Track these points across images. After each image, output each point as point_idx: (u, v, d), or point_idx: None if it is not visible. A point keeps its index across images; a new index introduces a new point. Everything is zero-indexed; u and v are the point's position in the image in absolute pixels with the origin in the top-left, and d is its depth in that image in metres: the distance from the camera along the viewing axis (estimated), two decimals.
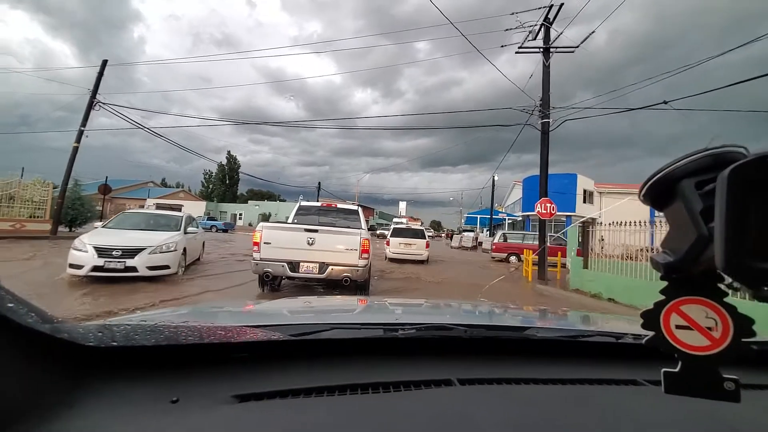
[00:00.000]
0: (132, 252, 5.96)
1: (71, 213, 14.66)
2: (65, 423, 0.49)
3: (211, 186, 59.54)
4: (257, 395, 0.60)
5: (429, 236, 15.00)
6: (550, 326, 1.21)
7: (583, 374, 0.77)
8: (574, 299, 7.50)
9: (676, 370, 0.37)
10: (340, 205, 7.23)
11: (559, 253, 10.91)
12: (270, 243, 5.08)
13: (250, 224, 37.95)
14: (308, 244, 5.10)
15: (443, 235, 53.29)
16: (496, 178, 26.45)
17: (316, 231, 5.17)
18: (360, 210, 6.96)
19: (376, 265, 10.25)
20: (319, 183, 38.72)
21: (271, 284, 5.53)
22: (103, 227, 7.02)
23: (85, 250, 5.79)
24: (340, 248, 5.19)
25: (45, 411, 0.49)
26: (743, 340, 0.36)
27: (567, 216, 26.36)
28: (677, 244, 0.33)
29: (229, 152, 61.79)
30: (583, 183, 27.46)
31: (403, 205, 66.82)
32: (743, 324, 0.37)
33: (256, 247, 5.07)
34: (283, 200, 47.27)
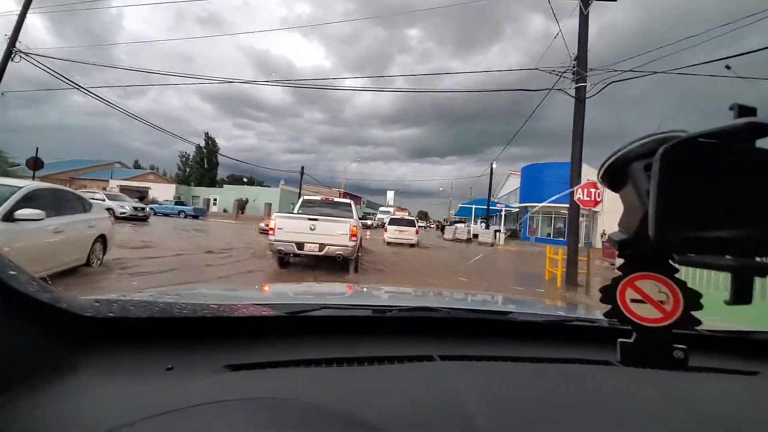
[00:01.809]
0: None
1: None
2: (60, 386, 0.51)
3: (188, 169, 56.70)
4: (248, 365, 0.63)
5: (420, 226, 18.33)
6: (532, 311, 1.32)
7: (560, 354, 0.80)
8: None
9: (631, 340, 0.41)
10: (336, 199, 8.91)
11: (591, 252, 8.79)
12: (282, 228, 6.62)
13: (225, 210, 35.04)
14: (311, 229, 6.62)
15: (432, 225, 51.86)
16: (494, 165, 24.28)
17: (316, 219, 6.74)
18: (353, 203, 8.48)
19: (377, 249, 13.01)
20: (302, 168, 35.90)
21: (282, 260, 7.12)
22: None
23: None
24: (334, 232, 6.64)
25: (46, 372, 0.51)
26: (692, 312, 0.41)
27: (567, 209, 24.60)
28: (630, 223, 0.36)
29: (207, 134, 57.34)
30: (588, 174, 25.70)
31: (391, 194, 66.17)
32: (692, 298, 0.41)
33: (272, 232, 6.68)
34: (264, 185, 44.16)
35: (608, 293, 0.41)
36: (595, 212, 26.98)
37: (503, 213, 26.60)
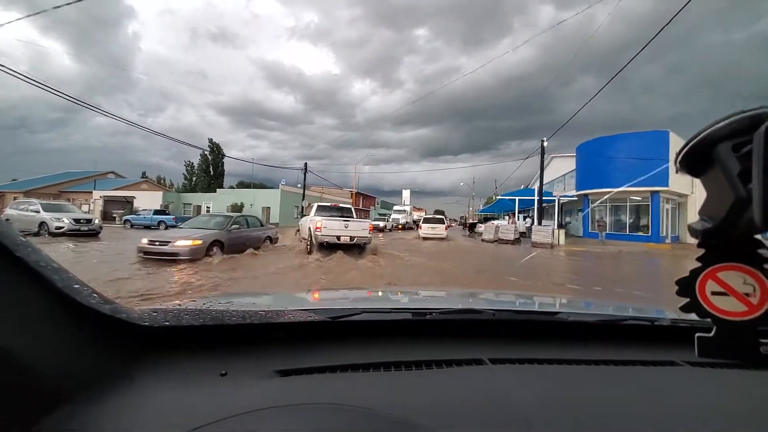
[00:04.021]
0: None
1: None
2: (126, 393, 0.53)
3: (194, 178, 53.99)
4: (297, 370, 0.64)
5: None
6: (581, 311, 1.22)
7: (618, 356, 0.75)
8: None
9: (711, 335, 0.37)
10: (341, 204, 12.40)
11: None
12: (326, 227, 9.80)
13: None
14: (345, 227, 10.02)
15: (456, 224, 46.45)
16: (545, 143, 18.42)
17: (348, 220, 10.30)
18: (352, 207, 12.18)
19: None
20: (306, 165, 31.00)
21: (324, 247, 9.72)
22: None
23: None
24: (360, 228, 10.23)
25: (108, 382, 0.53)
26: None
27: (653, 192, 18.28)
28: (715, 210, 0.33)
29: (210, 140, 55.08)
30: (677, 145, 19.31)
31: (406, 193, 63.02)
32: None
33: (318, 230, 9.66)
34: (266, 187, 39.50)
35: (686, 286, 0.37)
36: (681, 199, 20.97)
37: (557, 203, 20.55)
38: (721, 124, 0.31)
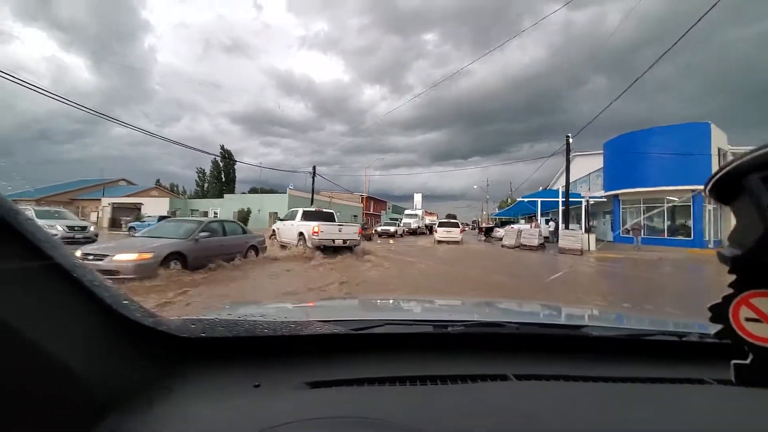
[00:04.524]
0: None
1: None
2: (166, 404, 0.55)
3: (206, 185, 54.21)
4: (326, 383, 0.65)
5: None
6: (605, 324, 1.21)
7: (645, 373, 0.75)
8: None
9: (747, 362, 0.37)
10: (324, 210, 13.04)
11: None
12: (323, 231, 10.55)
13: None
14: (339, 230, 11.00)
15: (469, 228, 44.96)
16: (570, 139, 16.86)
17: (342, 225, 11.50)
18: (333, 212, 13.11)
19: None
20: (314, 168, 30.13)
21: (321, 250, 10.28)
22: None
23: None
24: (351, 232, 11.29)
25: (151, 393, 0.56)
26: None
27: (695, 191, 16.40)
28: (744, 238, 0.34)
29: (222, 146, 55.49)
30: (718, 139, 17.06)
31: (418, 197, 62.38)
32: None
33: (315, 234, 10.37)
34: (274, 192, 38.68)
35: (719, 312, 0.37)
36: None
37: (584, 204, 18.71)
38: (752, 156, 0.32)
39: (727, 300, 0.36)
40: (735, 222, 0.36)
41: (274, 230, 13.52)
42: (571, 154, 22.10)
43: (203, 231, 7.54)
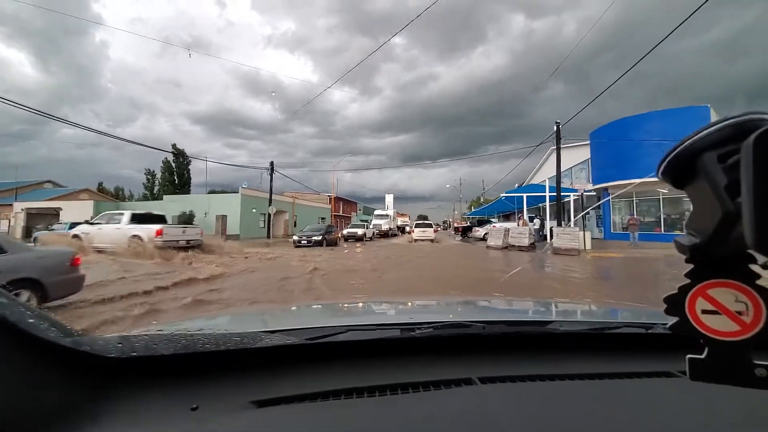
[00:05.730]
0: None
1: None
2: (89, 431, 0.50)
3: (156, 187, 48.32)
4: (275, 400, 0.61)
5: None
6: (573, 319, 1.22)
7: (611, 368, 0.75)
8: None
9: (703, 356, 0.35)
10: (154, 212, 13.50)
11: None
12: (167, 233, 11.11)
13: None
14: (182, 232, 11.96)
15: (440, 228, 43.71)
16: (558, 127, 14.78)
17: (186, 227, 12.63)
18: (164, 213, 13.89)
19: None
20: (272, 163, 26.65)
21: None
22: None
23: None
24: (193, 233, 12.39)
25: (73, 421, 0.50)
26: None
27: None
28: (702, 224, 0.31)
29: (174, 145, 49.38)
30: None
31: (390, 198, 61.18)
32: None
33: (159, 236, 10.76)
34: (220, 191, 34.34)
35: (675, 304, 0.35)
36: None
37: (573, 198, 16.66)
38: (705, 132, 0.29)
39: (683, 291, 0.35)
40: (692, 207, 0.33)
41: (77, 235, 12.17)
42: (550, 148, 20.52)
43: None
